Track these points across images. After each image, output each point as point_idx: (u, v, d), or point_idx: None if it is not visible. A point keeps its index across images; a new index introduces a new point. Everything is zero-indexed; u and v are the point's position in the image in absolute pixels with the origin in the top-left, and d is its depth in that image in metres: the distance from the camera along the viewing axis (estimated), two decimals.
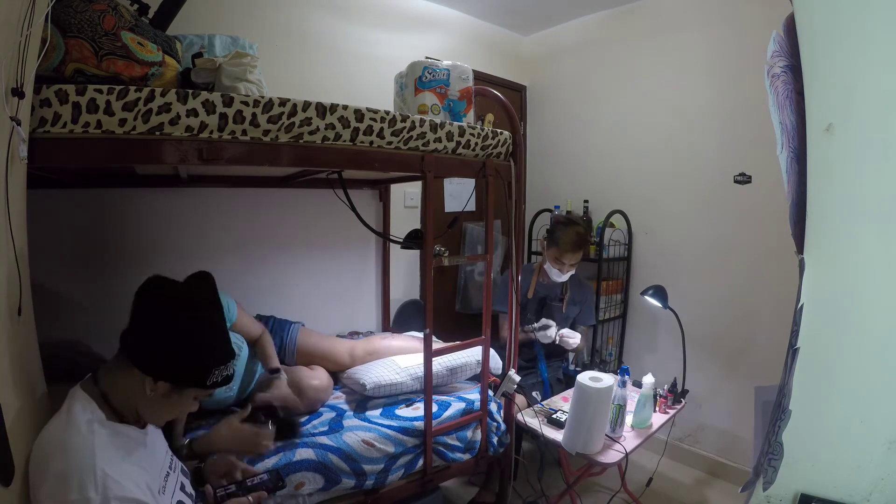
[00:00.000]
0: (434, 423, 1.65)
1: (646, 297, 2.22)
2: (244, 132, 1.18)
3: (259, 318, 1.93)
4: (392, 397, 1.82)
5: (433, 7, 2.72)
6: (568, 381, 2.36)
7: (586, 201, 2.85)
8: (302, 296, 2.30)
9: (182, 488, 1.03)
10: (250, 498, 1.09)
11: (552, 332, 2.18)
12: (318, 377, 1.75)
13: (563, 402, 2.00)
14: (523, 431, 1.98)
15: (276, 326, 1.91)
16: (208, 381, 0.94)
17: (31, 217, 0.99)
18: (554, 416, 1.86)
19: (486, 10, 2.83)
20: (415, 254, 2.66)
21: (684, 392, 2.06)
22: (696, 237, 2.51)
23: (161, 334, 0.92)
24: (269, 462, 1.37)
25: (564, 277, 2.26)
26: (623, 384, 1.75)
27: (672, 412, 1.97)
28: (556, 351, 2.34)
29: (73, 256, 1.73)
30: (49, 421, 0.87)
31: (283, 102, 1.20)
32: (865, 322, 0.91)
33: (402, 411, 1.74)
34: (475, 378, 2.00)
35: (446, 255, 1.67)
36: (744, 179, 2.27)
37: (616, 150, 2.82)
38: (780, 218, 1.12)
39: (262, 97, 1.19)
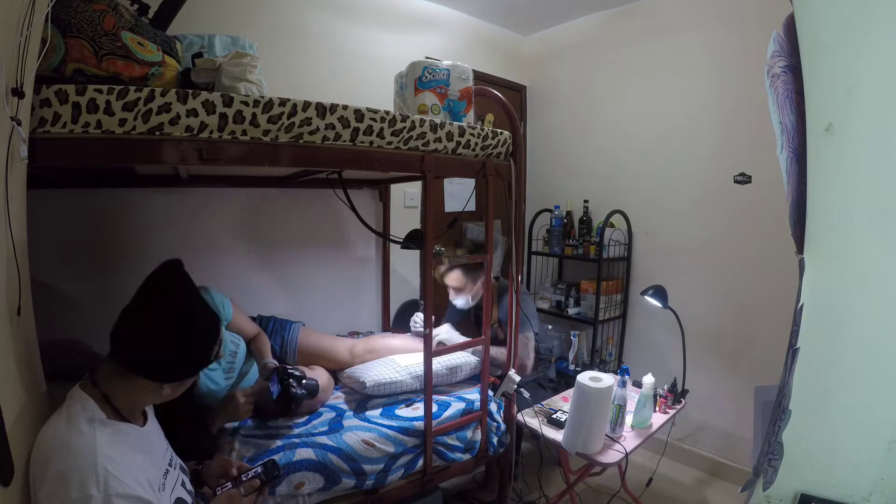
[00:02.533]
0: (434, 423, 1.65)
1: (646, 297, 2.22)
2: (244, 132, 1.18)
3: (260, 318, 1.93)
4: (392, 396, 1.82)
5: (433, 7, 2.72)
6: (567, 382, 2.36)
7: (586, 201, 2.85)
8: (302, 295, 2.31)
9: (182, 485, 1.04)
10: (242, 489, 1.10)
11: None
12: (317, 377, 1.75)
13: (563, 402, 2.00)
14: (522, 432, 1.98)
15: (277, 326, 1.92)
16: (212, 357, 1.00)
17: (31, 217, 0.99)
18: (554, 416, 1.85)
19: (486, 10, 2.83)
20: (415, 253, 2.66)
21: (684, 392, 2.06)
22: (696, 237, 2.51)
23: (160, 343, 0.94)
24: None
25: (460, 303, 2.20)
26: (623, 384, 1.75)
27: (672, 412, 1.97)
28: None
29: (72, 256, 1.73)
30: (48, 421, 0.88)
31: (283, 102, 1.20)
32: (865, 322, 0.91)
33: (402, 411, 1.74)
34: (475, 378, 2.00)
35: (446, 255, 1.67)
36: (744, 179, 2.27)
37: (616, 150, 2.82)
38: (780, 218, 1.12)
39: (262, 97, 1.19)
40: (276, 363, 1.62)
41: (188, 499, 1.02)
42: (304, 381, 1.55)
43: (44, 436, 0.85)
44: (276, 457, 1.39)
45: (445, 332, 2.07)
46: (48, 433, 0.85)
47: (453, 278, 2.14)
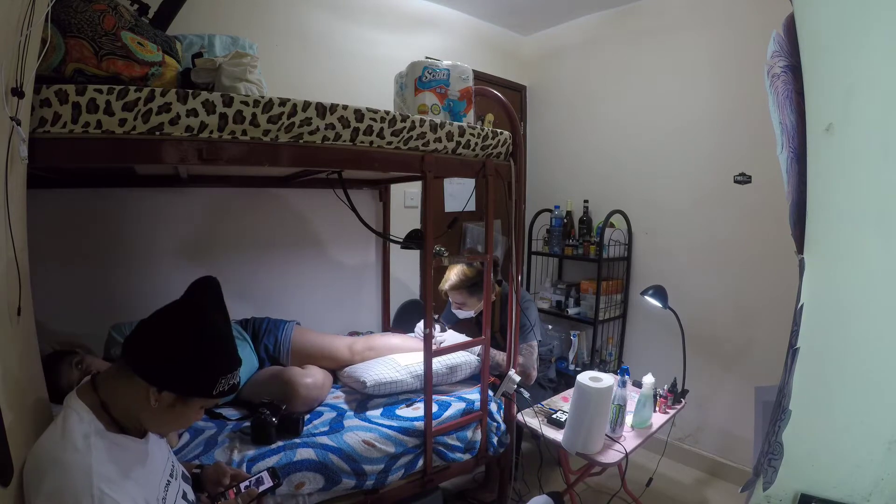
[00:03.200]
0: (434, 423, 1.65)
1: (646, 297, 2.22)
2: (244, 132, 1.18)
3: (254, 320, 1.92)
4: (392, 396, 1.82)
5: (433, 7, 2.72)
6: (567, 382, 2.36)
7: (586, 201, 2.85)
8: (302, 296, 2.31)
9: (184, 496, 1.01)
10: (239, 500, 1.07)
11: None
12: (310, 375, 1.74)
13: (563, 402, 2.00)
14: (522, 432, 1.98)
15: (270, 326, 1.91)
16: (215, 391, 0.92)
17: (32, 217, 0.99)
18: (554, 416, 1.86)
19: (486, 10, 2.83)
20: (415, 254, 2.66)
21: (684, 392, 2.06)
22: (696, 237, 2.51)
23: (167, 343, 0.89)
24: (271, 461, 1.37)
25: (462, 315, 2.22)
26: (623, 384, 1.75)
27: (672, 412, 1.97)
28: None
29: (73, 256, 1.73)
30: (44, 433, 0.85)
31: (283, 102, 1.20)
32: (865, 322, 0.91)
33: (403, 411, 1.74)
34: (475, 378, 2.00)
35: (446, 255, 1.67)
36: (744, 179, 2.27)
37: (616, 150, 2.82)
38: (780, 218, 1.12)
39: (262, 97, 1.19)
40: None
41: None
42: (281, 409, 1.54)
43: (39, 448, 0.82)
44: (276, 457, 1.39)
45: (451, 337, 2.08)
46: (42, 446, 0.82)
47: (458, 296, 2.17)
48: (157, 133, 1.08)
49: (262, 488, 1.13)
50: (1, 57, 0.79)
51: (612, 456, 1.66)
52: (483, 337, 1.79)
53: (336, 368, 1.95)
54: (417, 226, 2.58)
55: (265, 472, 1.18)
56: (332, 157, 1.34)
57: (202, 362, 0.91)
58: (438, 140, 1.53)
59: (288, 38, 2.17)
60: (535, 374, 2.11)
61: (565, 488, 1.86)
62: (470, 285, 2.12)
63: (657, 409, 1.95)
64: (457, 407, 1.78)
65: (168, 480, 0.98)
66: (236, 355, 0.98)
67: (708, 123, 2.42)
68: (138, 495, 0.85)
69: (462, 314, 2.22)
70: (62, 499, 0.76)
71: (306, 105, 1.24)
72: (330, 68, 2.31)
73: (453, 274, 2.15)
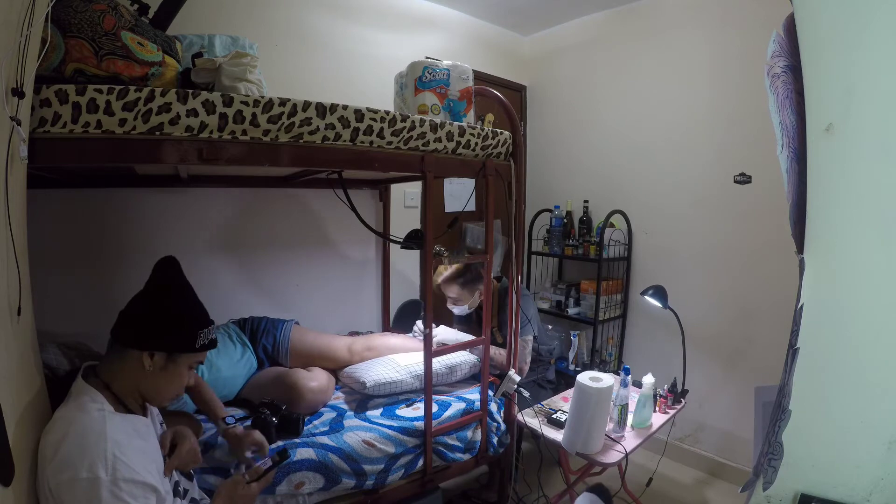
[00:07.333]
0: (434, 423, 1.65)
1: (646, 297, 2.22)
2: (244, 132, 1.18)
3: (252, 319, 1.92)
4: (392, 396, 1.82)
5: (433, 7, 2.72)
6: (567, 382, 2.36)
7: (586, 201, 2.85)
8: (302, 296, 2.30)
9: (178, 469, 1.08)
10: (246, 476, 1.14)
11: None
12: (315, 379, 1.74)
13: (563, 402, 2.00)
14: (522, 432, 1.98)
15: (269, 326, 1.90)
16: (197, 344, 1.02)
17: (31, 217, 0.99)
18: (554, 416, 1.85)
19: (486, 10, 2.83)
20: (415, 254, 2.66)
21: (684, 392, 2.06)
22: (696, 237, 2.51)
23: (148, 312, 1.01)
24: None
25: (457, 311, 2.20)
26: (626, 384, 1.75)
27: (672, 412, 1.97)
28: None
29: (73, 256, 1.73)
30: (58, 411, 0.91)
31: (283, 102, 1.20)
32: (865, 322, 0.91)
33: (403, 411, 1.74)
34: (475, 377, 2.00)
35: (446, 255, 1.67)
36: (744, 179, 2.27)
37: (616, 150, 2.82)
38: (780, 218, 1.12)
39: (262, 97, 1.19)
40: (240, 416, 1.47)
41: (183, 482, 1.07)
42: (279, 408, 1.54)
43: (55, 423, 0.89)
44: None
45: (443, 332, 2.07)
46: (59, 419, 0.89)
47: (451, 290, 2.15)
48: (157, 133, 1.08)
49: (266, 466, 1.17)
50: (1, 57, 0.79)
51: (612, 456, 1.66)
52: (483, 337, 1.80)
53: (335, 368, 1.95)
54: (417, 226, 2.58)
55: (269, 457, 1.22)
56: (332, 157, 1.34)
57: (181, 319, 1.03)
58: (438, 140, 1.52)
59: (288, 38, 2.17)
60: (526, 367, 2.11)
61: (565, 488, 1.86)
62: (462, 279, 2.10)
63: (657, 409, 1.95)
64: (457, 407, 1.78)
65: (164, 456, 1.04)
66: (207, 314, 1.09)
67: (708, 123, 2.42)
68: (149, 463, 0.92)
69: (457, 310, 2.20)
70: (79, 460, 0.83)
71: (306, 105, 1.24)
72: (330, 68, 2.31)
73: (445, 268, 2.14)
